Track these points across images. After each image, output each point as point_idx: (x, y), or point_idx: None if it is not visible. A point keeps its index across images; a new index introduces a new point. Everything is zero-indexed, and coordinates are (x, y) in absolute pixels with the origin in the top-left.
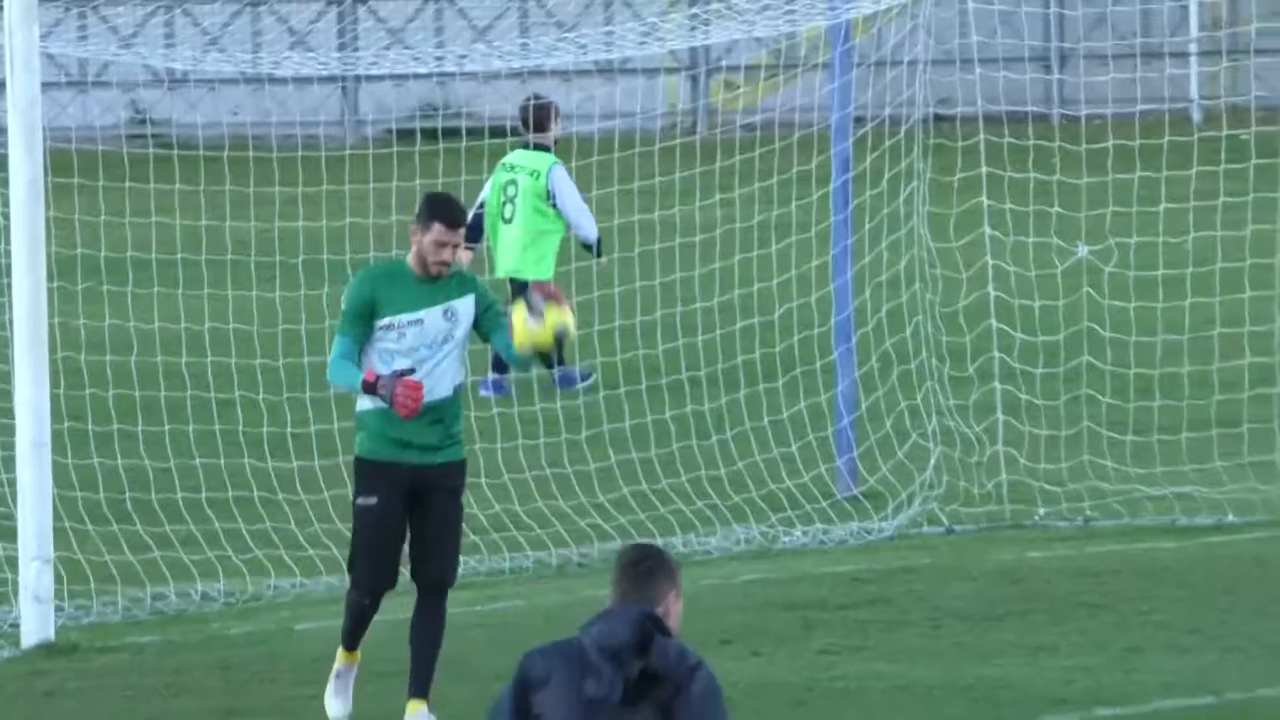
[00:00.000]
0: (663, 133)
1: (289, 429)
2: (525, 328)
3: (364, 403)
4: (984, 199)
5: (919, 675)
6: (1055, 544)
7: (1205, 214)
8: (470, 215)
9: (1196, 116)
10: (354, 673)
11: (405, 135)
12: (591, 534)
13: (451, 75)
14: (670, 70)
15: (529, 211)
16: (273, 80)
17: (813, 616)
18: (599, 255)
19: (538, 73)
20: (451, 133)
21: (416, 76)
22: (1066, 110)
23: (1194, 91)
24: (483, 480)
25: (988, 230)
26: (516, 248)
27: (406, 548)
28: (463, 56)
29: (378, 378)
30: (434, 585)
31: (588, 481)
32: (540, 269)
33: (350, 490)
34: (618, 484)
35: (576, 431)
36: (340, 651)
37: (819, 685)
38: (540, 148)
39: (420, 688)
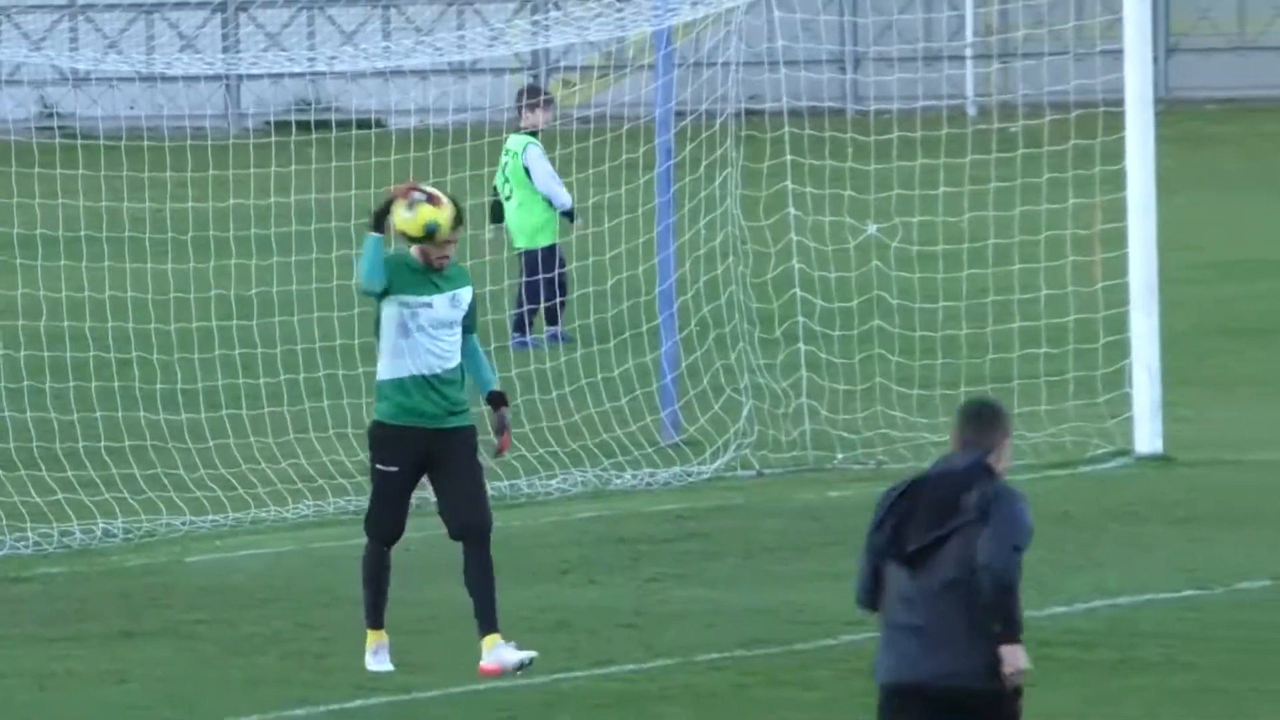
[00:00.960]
0: (509, 125)
1: (179, 385)
2: (400, 216)
3: (383, 373)
4: (788, 183)
5: (734, 599)
6: (852, 484)
7: (979, 197)
8: (489, 202)
9: (971, 111)
10: (387, 645)
11: (282, 127)
12: None
13: (322, 74)
14: (515, 70)
15: (519, 188)
16: (164, 78)
17: (641, 549)
18: (573, 219)
19: (398, 72)
20: (322, 124)
21: (291, 75)
22: (859, 106)
23: (969, 90)
24: (349, 431)
25: (792, 210)
26: (518, 222)
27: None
28: (332, 57)
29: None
30: (474, 532)
31: None
32: (539, 237)
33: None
34: None
35: None
36: (370, 633)
37: (647, 609)
38: (518, 131)
39: (490, 624)
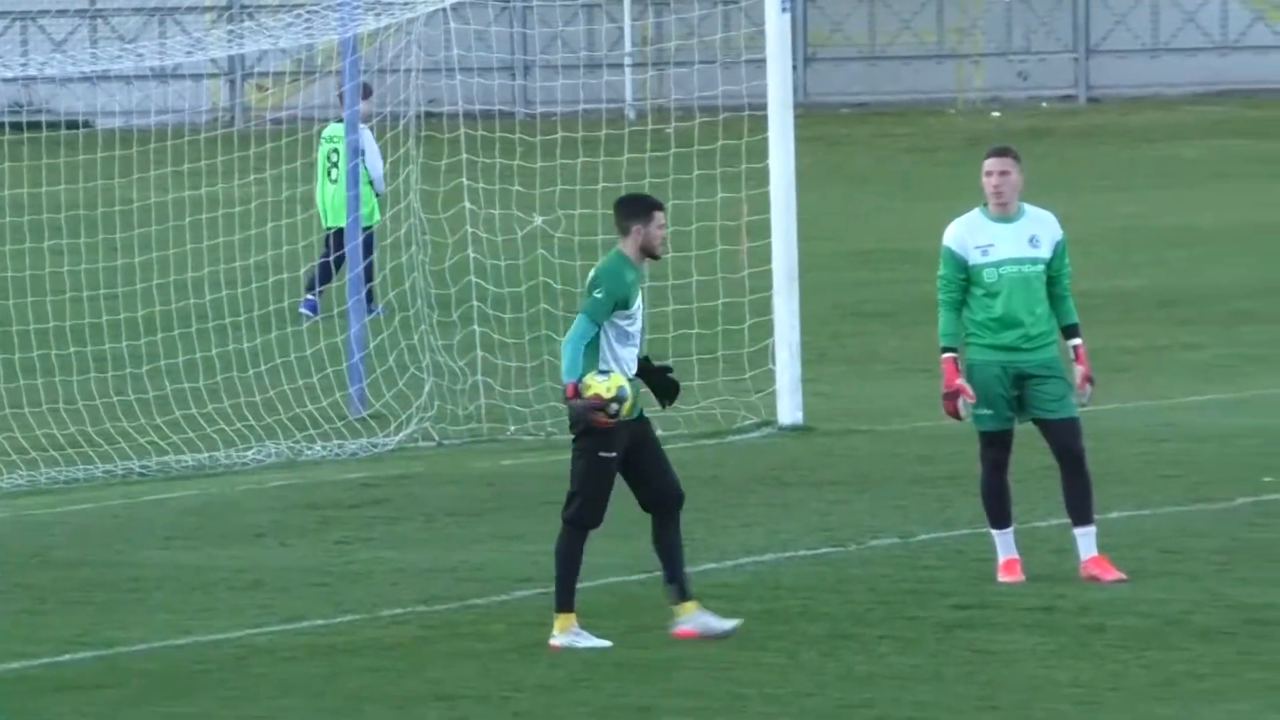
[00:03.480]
0: (207, 126)
1: None
2: (595, 382)
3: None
4: (464, 180)
5: (416, 559)
6: (523, 454)
7: (634, 191)
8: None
9: (630, 114)
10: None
11: None
12: (150, 450)
13: (34, 79)
14: (213, 75)
15: (350, 170)
16: None
17: (330, 514)
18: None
19: (105, 77)
20: (34, 125)
21: (5, 80)
22: (528, 109)
23: (628, 94)
24: (61, 407)
25: (467, 205)
26: (343, 202)
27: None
28: (43, 64)
29: (574, 394)
30: (676, 503)
31: (147, 406)
32: (373, 216)
33: None
34: (172, 409)
35: (139, 366)
36: (561, 618)
37: (335, 569)
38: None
39: (686, 590)
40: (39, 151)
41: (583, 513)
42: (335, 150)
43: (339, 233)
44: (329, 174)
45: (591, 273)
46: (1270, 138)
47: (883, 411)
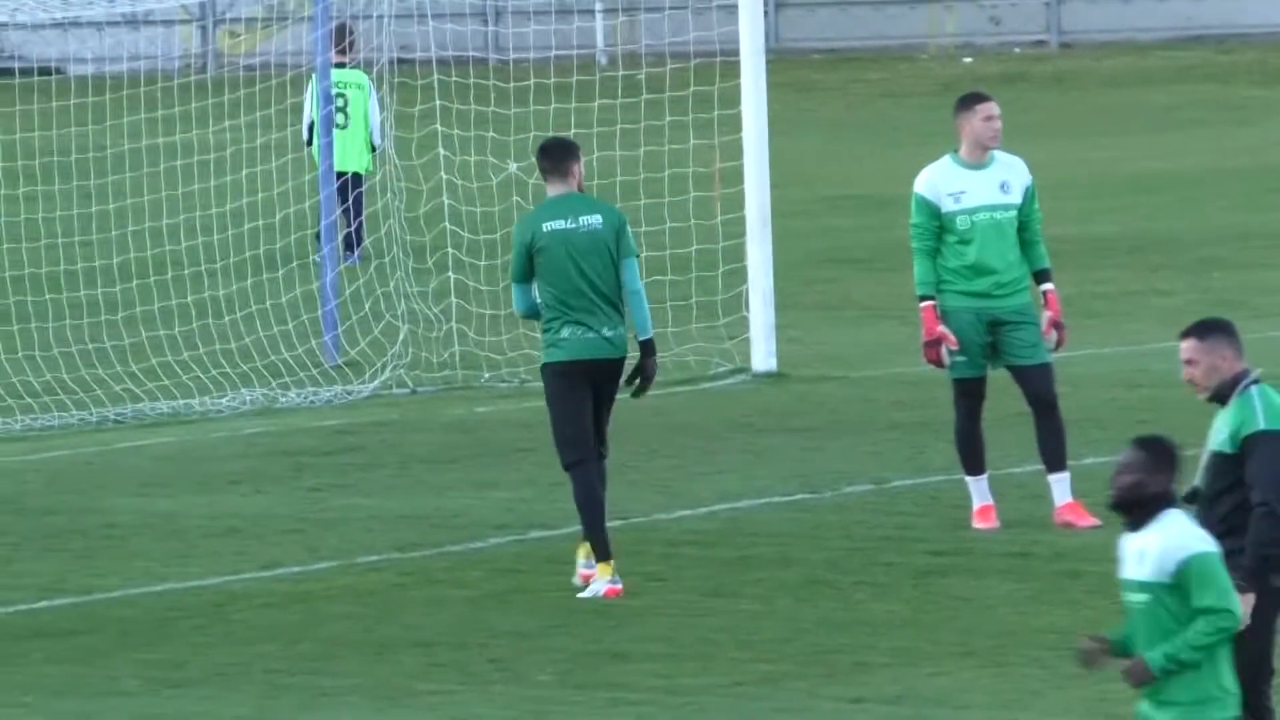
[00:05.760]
0: (179, 72)
1: None
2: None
3: None
4: (438, 126)
5: (390, 506)
6: (498, 401)
7: (607, 138)
8: (304, 129)
9: (601, 60)
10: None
11: None
12: (125, 397)
13: (5, 25)
14: (185, 21)
15: (359, 117)
16: None
17: (305, 461)
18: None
19: (76, 24)
20: (6, 72)
21: None
22: (500, 55)
23: (599, 40)
24: (36, 354)
25: (442, 151)
26: (355, 148)
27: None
28: (14, 10)
29: None
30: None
31: (123, 354)
32: (364, 163)
33: None
34: (147, 356)
35: (114, 313)
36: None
37: (310, 516)
38: (351, 66)
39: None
40: (11, 98)
41: None
42: (342, 95)
43: (345, 178)
44: (336, 120)
45: (621, 218)
46: (1239, 83)
47: (856, 357)
